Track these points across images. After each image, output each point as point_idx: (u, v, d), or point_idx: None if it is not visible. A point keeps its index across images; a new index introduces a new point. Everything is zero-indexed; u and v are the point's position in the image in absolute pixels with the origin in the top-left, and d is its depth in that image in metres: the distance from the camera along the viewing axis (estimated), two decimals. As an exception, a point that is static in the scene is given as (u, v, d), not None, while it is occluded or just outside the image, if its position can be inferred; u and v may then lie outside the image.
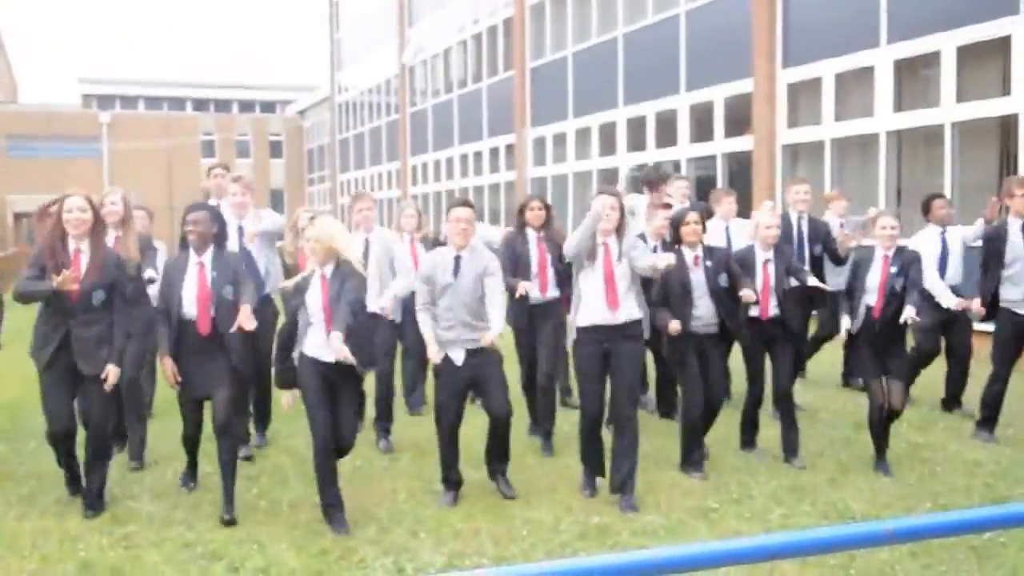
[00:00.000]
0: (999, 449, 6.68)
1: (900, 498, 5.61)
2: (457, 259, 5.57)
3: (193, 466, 5.83)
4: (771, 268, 6.46)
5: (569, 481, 5.95)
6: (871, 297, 6.11)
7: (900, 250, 6.22)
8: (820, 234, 7.85)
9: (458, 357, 5.51)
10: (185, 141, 42.08)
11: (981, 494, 5.67)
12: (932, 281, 7.27)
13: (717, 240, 7.71)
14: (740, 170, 15.23)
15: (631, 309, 5.52)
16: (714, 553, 2.30)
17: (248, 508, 5.45)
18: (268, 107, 50.98)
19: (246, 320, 5.25)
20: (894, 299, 6.04)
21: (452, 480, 5.65)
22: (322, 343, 5.03)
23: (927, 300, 7.46)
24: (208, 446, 5.70)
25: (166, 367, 5.38)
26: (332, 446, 5.10)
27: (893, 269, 6.08)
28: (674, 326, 5.92)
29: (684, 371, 6.14)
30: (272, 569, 4.59)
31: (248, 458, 6.43)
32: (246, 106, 50.24)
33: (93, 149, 40.57)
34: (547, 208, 7.02)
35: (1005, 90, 11.02)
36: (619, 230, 5.56)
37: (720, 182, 15.52)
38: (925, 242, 7.78)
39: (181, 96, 50.49)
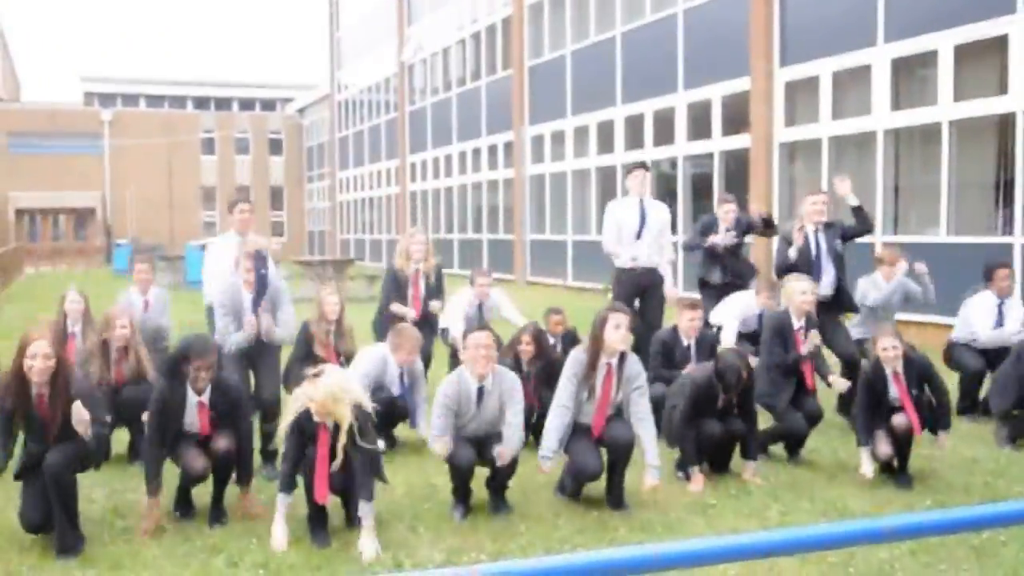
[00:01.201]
0: (998, 448, 6.67)
1: (899, 496, 5.60)
2: (480, 390, 5.29)
3: (187, 501, 5.45)
4: (810, 337, 6.32)
5: None
6: (898, 417, 5.79)
7: (909, 362, 5.90)
8: (836, 232, 7.45)
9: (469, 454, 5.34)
10: (185, 139, 42.10)
11: (980, 492, 5.67)
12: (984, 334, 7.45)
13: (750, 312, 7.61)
14: (737, 168, 15.24)
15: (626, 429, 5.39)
16: (712, 550, 2.30)
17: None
18: (268, 105, 51.00)
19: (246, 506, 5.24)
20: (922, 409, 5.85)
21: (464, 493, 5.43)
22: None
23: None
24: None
25: (149, 510, 5.05)
26: None
27: (909, 386, 5.85)
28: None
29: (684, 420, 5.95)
30: (271, 563, 4.61)
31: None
32: (246, 104, 50.25)
33: (95, 146, 40.60)
34: (538, 341, 6.76)
35: (1002, 89, 11.03)
36: (623, 355, 5.32)
37: (717, 180, 15.56)
38: (979, 307, 7.66)
39: (182, 94, 50.48)
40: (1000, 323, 7.60)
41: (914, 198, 12.74)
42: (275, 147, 44.97)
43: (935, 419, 5.89)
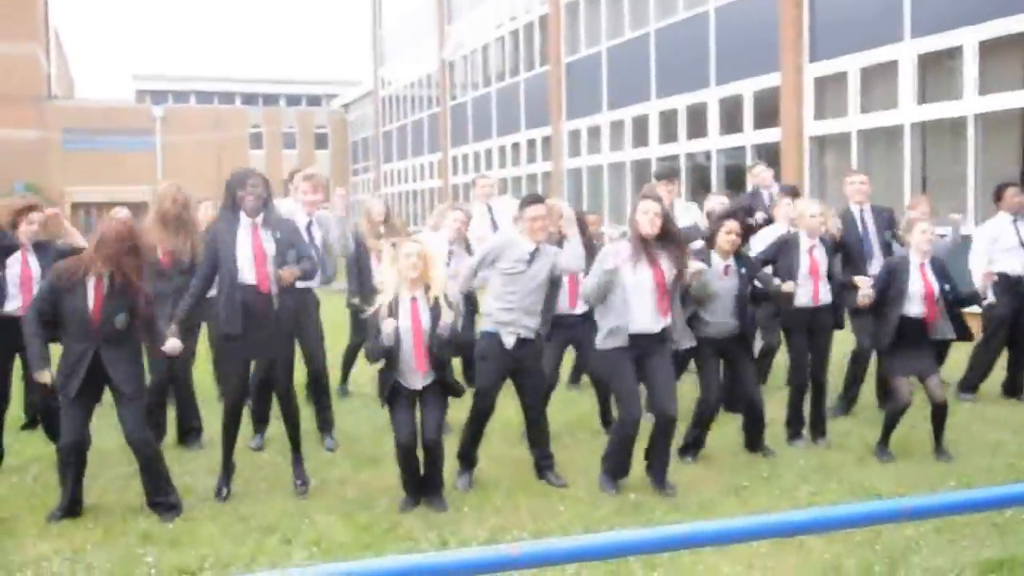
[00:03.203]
0: (1021, 430, 6.79)
1: (924, 477, 5.70)
2: (534, 251, 5.61)
3: (228, 468, 5.54)
4: (818, 254, 6.38)
5: None
6: (914, 307, 6.04)
7: (932, 259, 6.17)
8: (885, 220, 7.40)
9: (509, 341, 5.56)
10: (234, 134, 43.05)
11: (1003, 473, 5.75)
12: (976, 263, 7.42)
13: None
14: (769, 161, 15.49)
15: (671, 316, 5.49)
16: (744, 528, 2.33)
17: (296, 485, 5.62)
18: (314, 101, 51.88)
19: (288, 274, 5.29)
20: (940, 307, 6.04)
21: (469, 459, 5.72)
22: (409, 370, 5.19)
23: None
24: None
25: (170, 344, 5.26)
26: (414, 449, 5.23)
27: (933, 278, 6.06)
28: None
29: (702, 373, 6.09)
30: (323, 542, 4.74)
31: (258, 449, 6.54)
32: (293, 100, 51.19)
33: (147, 142, 41.66)
34: (579, 218, 6.90)
35: (1026, 82, 11.27)
36: (663, 237, 5.42)
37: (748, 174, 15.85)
38: (996, 228, 7.75)
39: (230, 91, 51.56)
40: (1020, 239, 7.61)
41: (942, 190, 12.97)
42: (321, 142, 45.78)
43: (953, 309, 6.08)
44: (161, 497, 5.16)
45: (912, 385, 6.15)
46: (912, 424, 6.69)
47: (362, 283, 7.53)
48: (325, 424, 6.74)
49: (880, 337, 6.21)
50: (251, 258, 5.33)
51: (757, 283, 6.25)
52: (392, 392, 5.25)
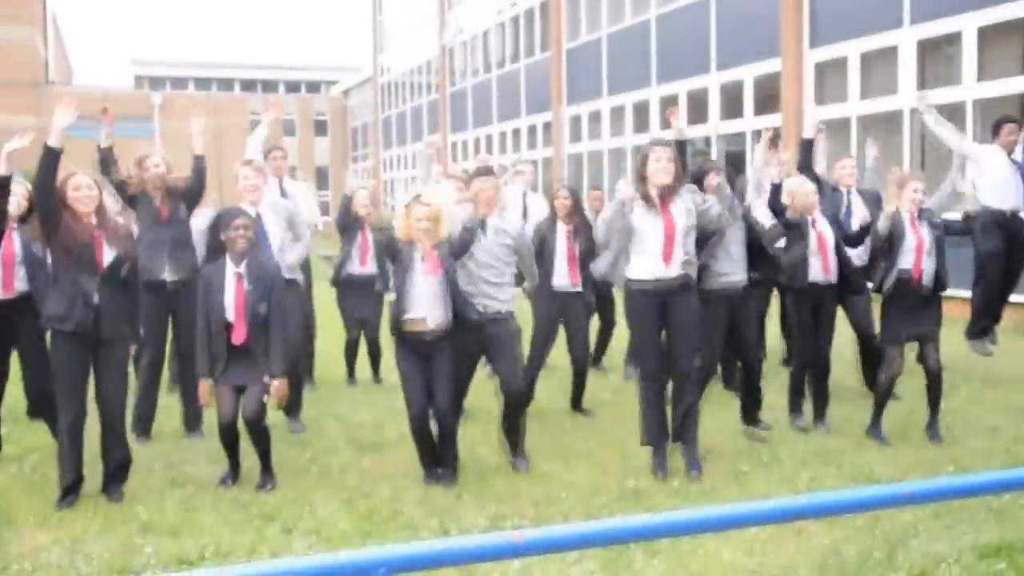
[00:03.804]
0: (1019, 414, 6.81)
1: (923, 462, 5.69)
2: (483, 224, 5.64)
3: (235, 466, 5.54)
4: (822, 225, 6.35)
5: (606, 445, 6.09)
6: (906, 260, 6.06)
7: (921, 211, 6.21)
8: (872, 203, 7.43)
9: (472, 315, 5.51)
10: (233, 121, 42.99)
11: (1001, 458, 5.76)
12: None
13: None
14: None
15: (686, 263, 5.42)
16: (745, 514, 2.35)
17: (300, 472, 5.65)
18: (313, 87, 51.83)
19: (277, 400, 5.39)
20: (929, 260, 6.08)
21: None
22: (424, 309, 5.26)
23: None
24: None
25: (202, 389, 5.41)
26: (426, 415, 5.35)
27: (925, 231, 6.10)
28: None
29: (705, 331, 5.97)
30: (323, 530, 4.72)
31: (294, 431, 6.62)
32: (292, 86, 51.17)
33: (145, 128, 41.59)
34: (575, 196, 7.08)
35: (1024, 68, 11.27)
36: (675, 184, 5.35)
37: (750, 158, 15.86)
38: (988, 155, 7.61)
39: (229, 77, 51.51)
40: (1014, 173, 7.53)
41: (942, 175, 12.96)
42: (320, 128, 45.75)
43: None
44: (116, 459, 5.24)
45: (904, 358, 6.20)
46: (910, 408, 6.73)
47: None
48: (292, 407, 6.67)
49: (881, 290, 6.22)
50: (233, 309, 5.40)
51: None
52: (401, 352, 5.36)
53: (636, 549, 4.29)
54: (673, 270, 5.36)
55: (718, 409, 6.62)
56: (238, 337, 5.35)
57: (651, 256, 5.35)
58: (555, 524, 4.55)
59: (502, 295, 5.66)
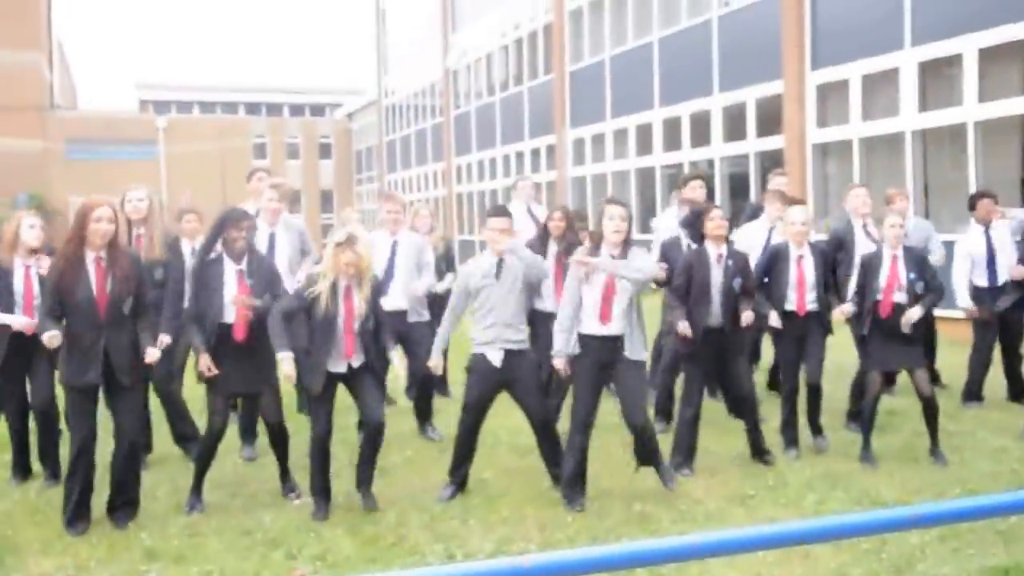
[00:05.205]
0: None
1: (930, 484, 5.69)
2: (500, 262, 5.64)
3: (199, 487, 5.54)
4: (806, 264, 6.40)
5: (612, 469, 6.10)
6: (880, 295, 6.16)
7: (909, 249, 6.29)
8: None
9: (496, 358, 5.57)
10: (238, 144, 43.20)
11: (1007, 480, 5.76)
12: (958, 279, 7.48)
13: (759, 241, 7.52)
14: (772, 168, 15.55)
15: (624, 324, 5.44)
16: (751, 538, 2.36)
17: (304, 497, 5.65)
18: (317, 110, 52.09)
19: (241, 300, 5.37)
20: (910, 299, 6.13)
21: (458, 476, 5.71)
22: (337, 356, 5.31)
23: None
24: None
25: (202, 360, 5.37)
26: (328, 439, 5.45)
27: (905, 271, 6.15)
28: (682, 328, 5.98)
29: (691, 367, 6.18)
30: (328, 555, 4.72)
31: (252, 459, 6.57)
32: (296, 110, 51.42)
33: (150, 152, 41.84)
34: (568, 218, 7.07)
35: (1025, 90, 11.31)
36: (626, 243, 5.46)
37: (753, 180, 15.93)
38: (969, 241, 7.73)
39: (234, 100, 51.78)
40: (990, 250, 7.62)
41: (944, 196, 13.03)
42: (325, 151, 45.95)
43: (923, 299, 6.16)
44: (129, 495, 5.25)
45: (883, 383, 6.26)
46: (916, 431, 6.71)
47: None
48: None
49: (857, 328, 6.41)
50: (234, 308, 5.43)
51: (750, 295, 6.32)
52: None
53: (643, 573, 4.26)
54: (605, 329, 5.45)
55: (723, 433, 6.61)
56: (238, 334, 5.37)
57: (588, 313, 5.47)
58: (561, 549, 4.64)
59: (520, 333, 5.66)
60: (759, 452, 6.30)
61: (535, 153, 24.39)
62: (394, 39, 37.77)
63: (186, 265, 6.27)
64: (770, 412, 6.86)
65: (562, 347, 5.47)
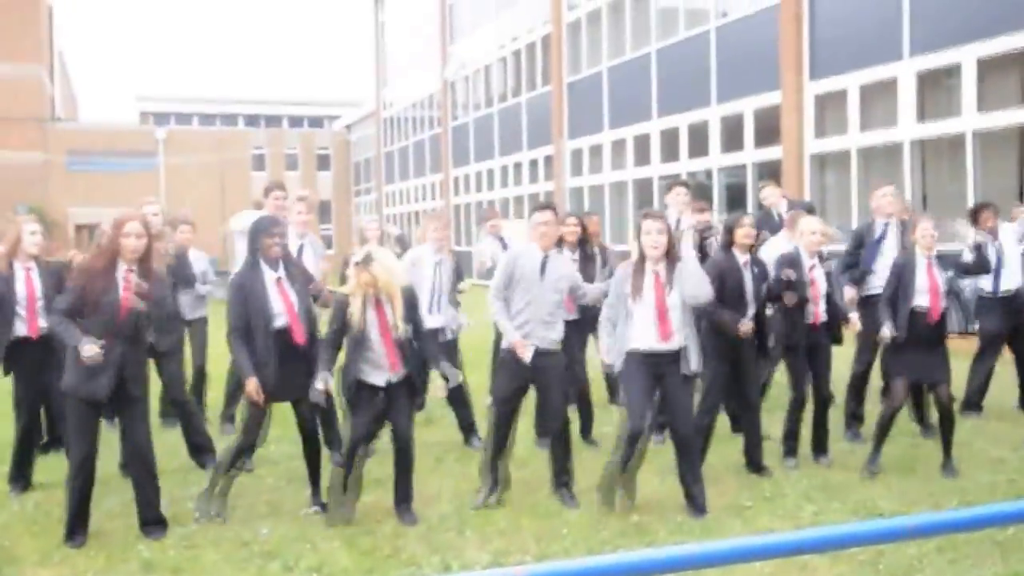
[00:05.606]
0: (1022, 447, 6.78)
1: (927, 495, 5.68)
2: (545, 259, 5.61)
3: (224, 493, 5.52)
4: (818, 273, 6.41)
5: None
6: (922, 299, 6.11)
7: (939, 255, 6.34)
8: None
9: (527, 355, 5.52)
10: (237, 155, 43.22)
11: (1005, 490, 5.76)
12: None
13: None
14: (770, 178, 15.58)
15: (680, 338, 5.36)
16: (748, 549, 2.36)
17: (301, 509, 5.64)
18: (316, 122, 52.14)
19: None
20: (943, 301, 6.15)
21: (492, 476, 5.66)
22: (380, 368, 5.30)
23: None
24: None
25: (250, 386, 5.28)
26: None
27: (940, 272, 6.21)
28: (745, 326, 5.98)
29: (717, 368, 6.12)
30: (325, 567, 4.68)
31: (249, 471, 6.39)
32: (295, 121, 51.46)
33: (150, 164, 41.85)
34: (583, 225, 7.13)
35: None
36: (669, 255, 5.35)
37: (751, 190, 15.93)
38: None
39: (233, 112, 51.84)
40: (997, 260, 7.64)
41: (942, 207, 13.03)
42: (323, 163, 45.95)
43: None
44: (155, 512, 5.22)
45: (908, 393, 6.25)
46: (914, 442, 6.68)
47: None
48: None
49: (886, 331, 6.23)
50: (286, 312, 5.40)
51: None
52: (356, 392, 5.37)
53: (639, 584, 4.25)
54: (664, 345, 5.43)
55: (720, 444, 6.57)
56: (299, 337, 5.37)
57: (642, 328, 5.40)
58: (557, 559, 4.59)
59: (554, 332, 5.62)
60: (756, 467, 6.28)
61: (533, 164, 24.41)
62: (392, 51, 37.86)
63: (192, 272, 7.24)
64: (772, 428, 6.83)
65: (608, 350, 5.48)
